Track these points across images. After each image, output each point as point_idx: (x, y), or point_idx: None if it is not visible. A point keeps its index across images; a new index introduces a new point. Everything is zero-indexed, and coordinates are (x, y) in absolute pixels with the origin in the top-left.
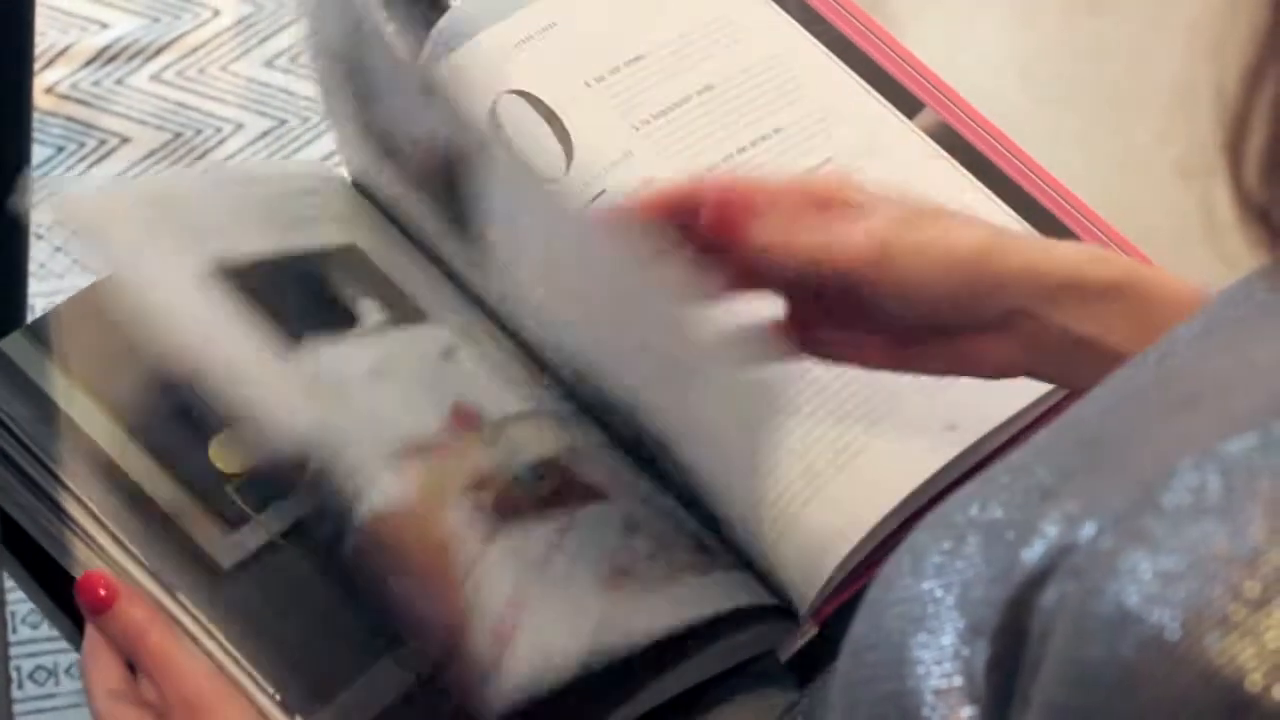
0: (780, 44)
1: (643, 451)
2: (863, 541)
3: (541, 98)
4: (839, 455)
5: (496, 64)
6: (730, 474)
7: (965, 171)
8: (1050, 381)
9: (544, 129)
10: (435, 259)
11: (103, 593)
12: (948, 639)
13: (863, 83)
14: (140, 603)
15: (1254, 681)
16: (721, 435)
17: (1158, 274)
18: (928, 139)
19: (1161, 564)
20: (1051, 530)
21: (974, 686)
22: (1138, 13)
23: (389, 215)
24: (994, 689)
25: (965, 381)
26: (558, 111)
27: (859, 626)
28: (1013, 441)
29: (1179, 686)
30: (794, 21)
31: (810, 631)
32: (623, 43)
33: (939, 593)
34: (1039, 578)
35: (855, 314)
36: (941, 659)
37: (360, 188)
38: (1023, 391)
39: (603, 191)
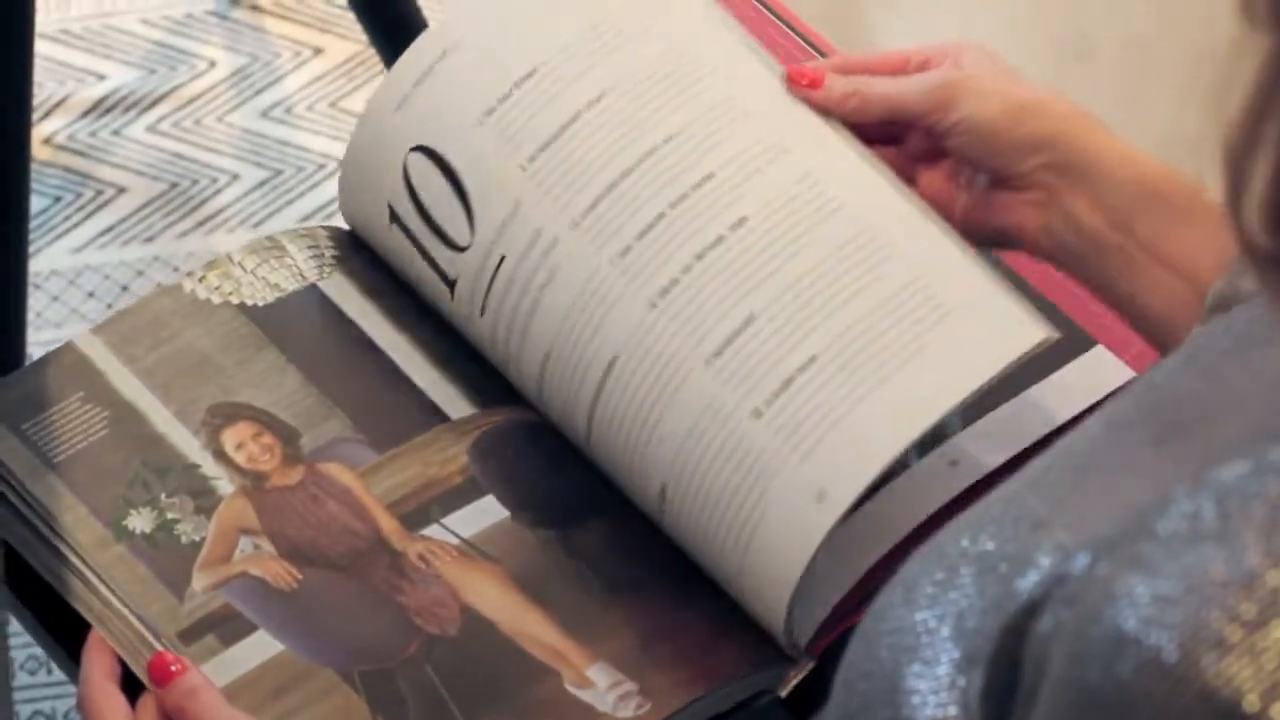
0: (676, 34)
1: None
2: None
3: (442, 150)
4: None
5: (395, 111)
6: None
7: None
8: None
9: (447, 192)
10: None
11: (174, 668)
12: (943, 669)
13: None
14: (195, 670)
15: (1251, 702)
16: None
17: (1187, 190)
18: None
19: (1158, 588)
20: (1045, 560)
21: (969, 716)
22: (1127, 60)
23: (386, 262)
24: (988, 716)
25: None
26: (457, 165)
27: (852, 657)
28: (1004, 474)
29: (1177, 707)
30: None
31: (807, 666)
32: (514, 58)
33: (933, 623)
34: (1033, 606)
35: (935, 155)
36: (937, 689)
37: (357, 237)
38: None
39: (503, 259)
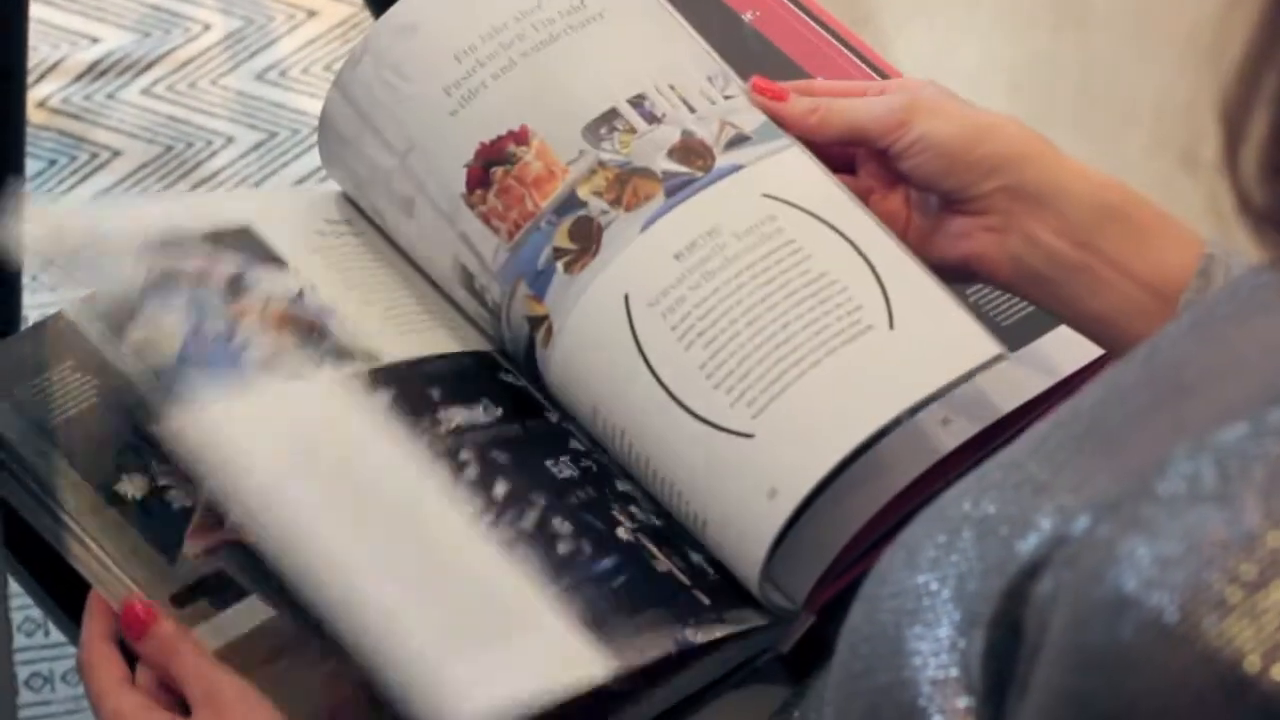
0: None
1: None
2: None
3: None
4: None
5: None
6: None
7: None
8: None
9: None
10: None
11: (141, 613)
12: (944, 631)
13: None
14: (170, 619)
15: (1252, 663)
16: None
17: (1145, 207)
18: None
19: (1159, 549)
20: (1045, 523)
21: (970, 677)
22: (1124, 26)
23: (376, 226)
24: (989, 678)
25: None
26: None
27: (854, 619)
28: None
29: (1178, 668)
30: None
31: (807, 622)
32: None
33: (934, 586)
34: (1033, 568)
35: (894, 180)
36: (939, 650)
37: (350, 200)
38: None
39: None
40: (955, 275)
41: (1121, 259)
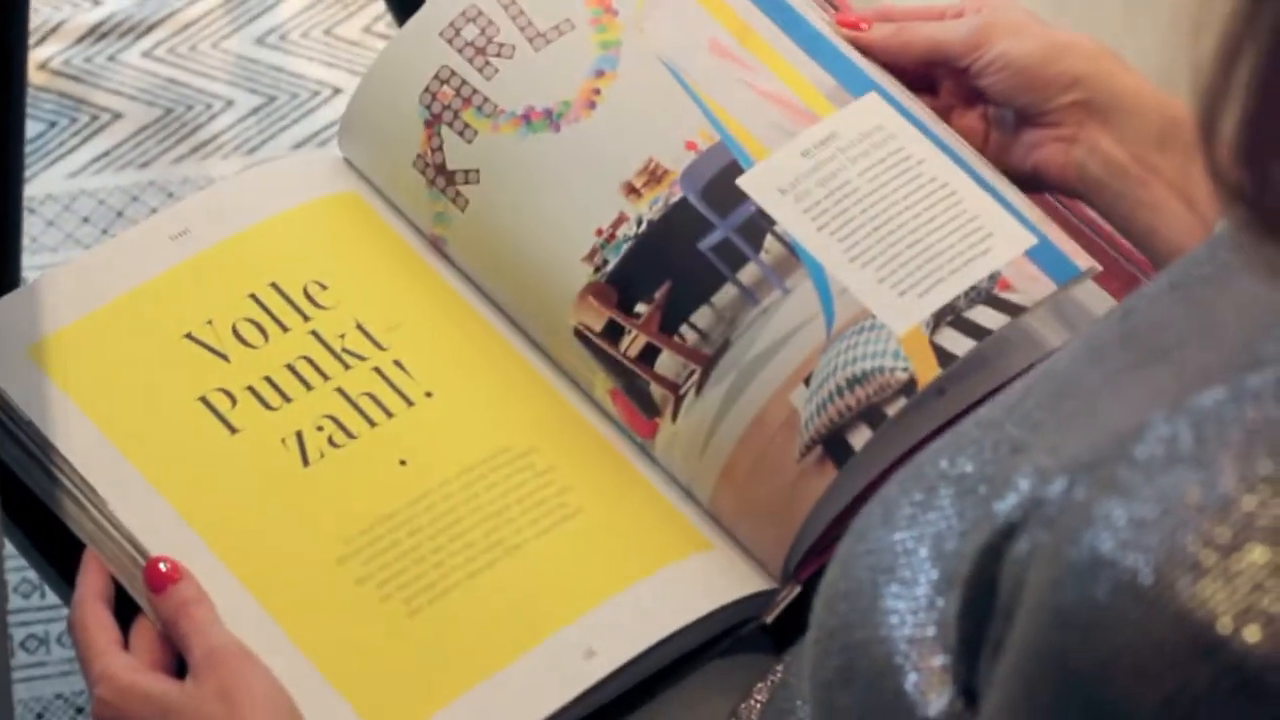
0: None
1: None
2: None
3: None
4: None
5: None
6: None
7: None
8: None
9: None
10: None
11: (164, 568)
12: (921, 589)
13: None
14: (190, 579)
15: (1224, 624)
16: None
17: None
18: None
19: (1135, 511)
20: (1023, 483)
21: (946, 636)
22: (1114, 5)
23: (378, 190)
24: (964, 636)
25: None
26: None
27: (831, 577)
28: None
29: (1151, 629)
30: None
31: (793, 592)
32: None
33: (911, 544)
34: (1010, 529)
35: (971, 99)
36: (916, 609)
37: (351, 164)
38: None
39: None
40: (1027, 184)
41: (1177, 179)
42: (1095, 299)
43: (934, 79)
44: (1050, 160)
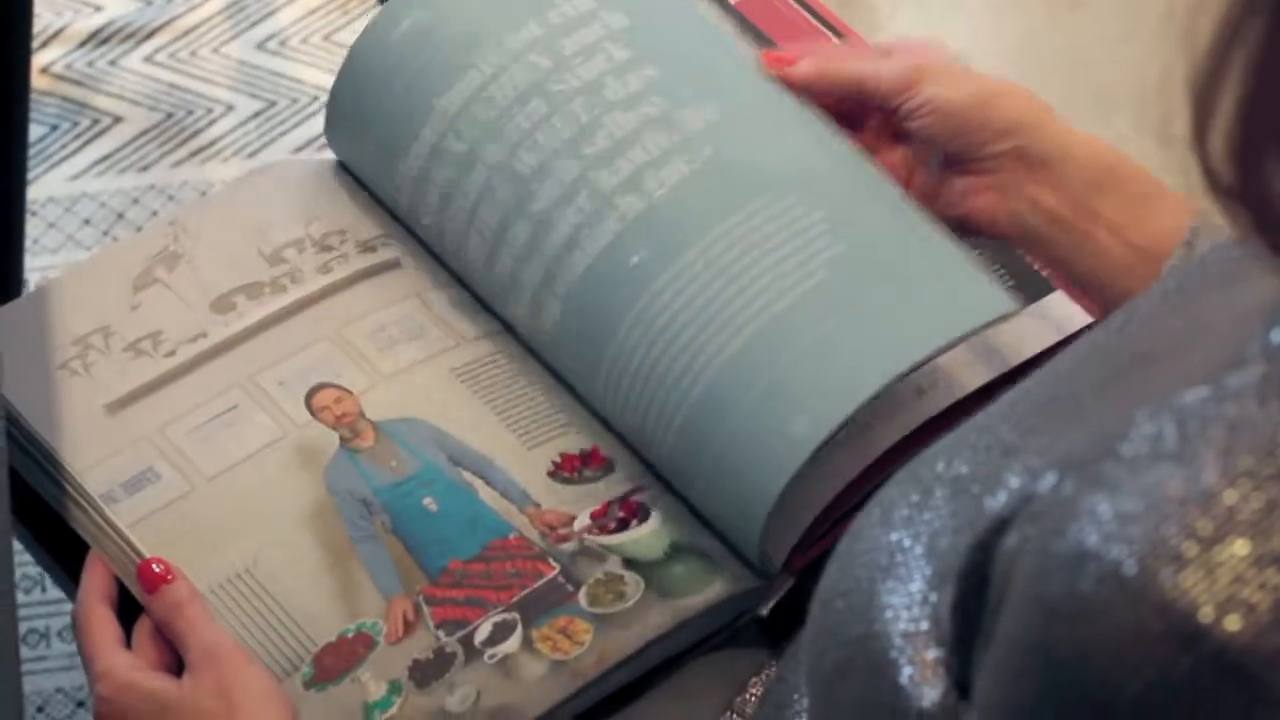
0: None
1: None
2: (832, 502)
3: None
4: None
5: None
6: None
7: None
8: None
9: None
10: (416, 236)
11: (159, 570)
12: (916, 586)
13: None
14: (183, 580)
15: (1206, 614)
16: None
17: (1141, 175)
18: None
19: (1120, 505)
20: (1014, 481)
21: (940, 630)
22: (1116, 6)
23: (373, 195)
24: (957, 629)
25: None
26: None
27: (829, 576)
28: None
29: (1135, 619)
30: None
31: (785, 585)
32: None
33: (907, 542)
34: (1000, 524)
35: (897, 138)
36: (910, 604)
37: (346, 169)
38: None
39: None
40: (956, 230)
41: (1117, 222)
42: (1069, 313)
43: (861, 115)
44: (983, 209)
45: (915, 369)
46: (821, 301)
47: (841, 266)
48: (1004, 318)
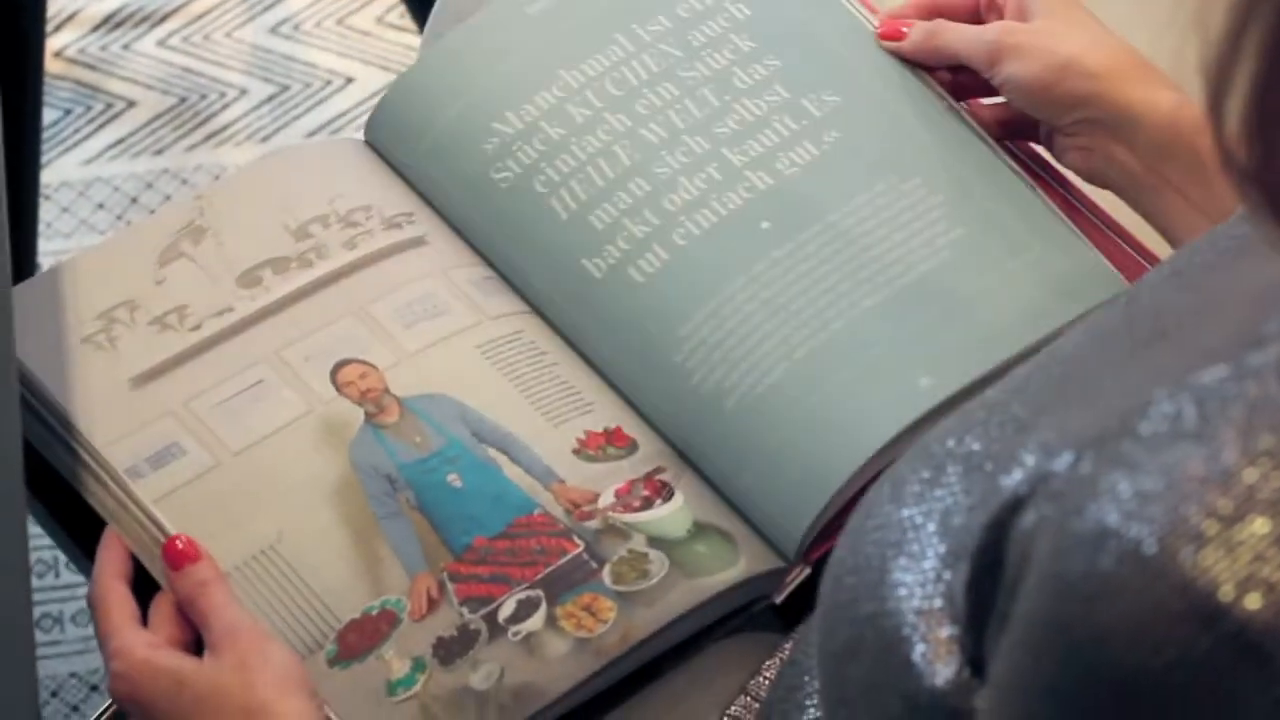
0: None
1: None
2: (845, 485)
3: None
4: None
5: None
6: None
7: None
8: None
9: None
10: (443, 216)
11: (185, 547)
12: (929, 563)
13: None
14: (208, 559)
15: (1226, 593)
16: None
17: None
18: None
19: (1140, 484)
20: (1029, 459)
21: (954, 608)
22: None
23: (398, 173)
24: (972, 608)
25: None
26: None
27: (840, 553)
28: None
29: (1155, 597)
30: None
31: (802, 574)
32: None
33: (919, 519)
34: (1017, 502)
35: (992, 91)
36: (924, 582)
37: (372, 146)
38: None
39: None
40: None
41: (1185, 186)
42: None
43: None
44: (1079, 165)
45: (1032, 351)
46: (946, 277)
47: (962, 249)
48: (1116, 297)
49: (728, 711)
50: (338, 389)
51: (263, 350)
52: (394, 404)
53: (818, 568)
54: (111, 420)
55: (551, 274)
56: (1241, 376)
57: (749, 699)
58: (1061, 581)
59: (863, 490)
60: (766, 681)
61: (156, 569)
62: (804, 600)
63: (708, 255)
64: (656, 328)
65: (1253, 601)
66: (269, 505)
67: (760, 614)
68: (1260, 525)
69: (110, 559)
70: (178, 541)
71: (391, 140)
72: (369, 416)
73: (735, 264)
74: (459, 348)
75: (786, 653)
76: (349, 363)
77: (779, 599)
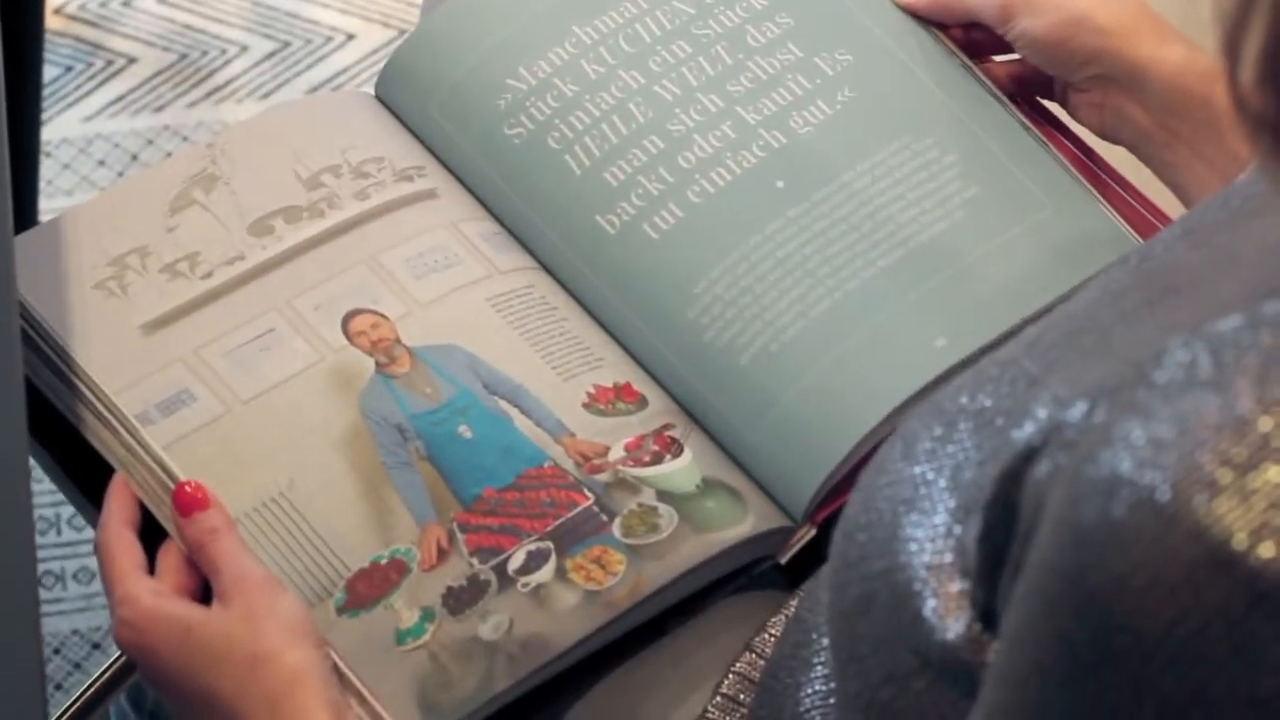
0: None
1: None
2: (857, 446)
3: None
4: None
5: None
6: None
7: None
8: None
9: None
10: (450, 169)
11: (196, 493)
12: (940, 518)
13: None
14: (218, 506)
15: (1240, 540)
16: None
17: (1219, 97)
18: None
19: (1154, 431)
20: (1041, 412)
21: (965, 561)
22: None
23: (409, 128)
24: (984, 560)
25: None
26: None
27: (851, 510)
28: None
29: (1168, 545)
30: None
31: (808, 534)
32: None
33: (930, 475)
34: (1030, 453)
35: (1005, 48)
36: (934, 536)
37: (383, 101)
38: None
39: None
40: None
41: (1196, 143)
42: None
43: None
44: (1092, 121)
45: (1046, 310)
46: (961, 236)
47: (976, 209)
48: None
49: (733, 669)
50: (349, 339)
51: (274, 299)
52: (405, 354)
53: (823, 528)
54: (122, 366)
55: (564, 230)
56: (1256, 326)
57: (754, 656)
58: (1075, 530)
59: (872, 451)
60: (772, 639)
61: (165, 516)
62: (809, 560)
63: (722, 213)
64: (671, 283)
65: (1267, 550)
66: (279, 453)
67: (765, 573)
68: (1275, 474)
69: (118, 506)
70: (187, 487)
71: (403, 96)
72: (380, 366)
73: (750, 222)
74: (470, 300)
75: (792, 610)
76: (360, 312)
77: (784, 559)
